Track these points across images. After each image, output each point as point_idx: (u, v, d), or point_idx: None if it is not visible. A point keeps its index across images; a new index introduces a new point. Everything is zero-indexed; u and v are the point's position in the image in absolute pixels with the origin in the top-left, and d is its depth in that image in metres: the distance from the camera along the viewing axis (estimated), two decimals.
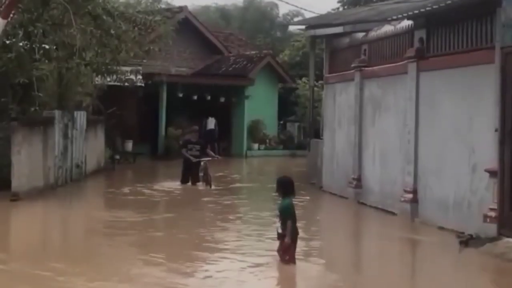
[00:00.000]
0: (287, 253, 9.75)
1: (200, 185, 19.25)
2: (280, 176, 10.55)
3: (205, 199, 17.47)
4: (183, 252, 10.75)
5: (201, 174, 19.31)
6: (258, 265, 9.93)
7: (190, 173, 19.53)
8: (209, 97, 32.99)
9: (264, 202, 17.58)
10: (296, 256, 9.86)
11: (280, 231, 9.79)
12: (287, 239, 9.64)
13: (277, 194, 10.11)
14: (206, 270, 9.74)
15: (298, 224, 9.99)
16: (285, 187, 9.94)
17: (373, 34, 17.26)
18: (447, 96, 13.64)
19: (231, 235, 12.60)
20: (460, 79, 13.22)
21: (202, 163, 19.34)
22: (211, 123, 32.93)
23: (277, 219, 9.94)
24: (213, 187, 19.20)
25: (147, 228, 13.18)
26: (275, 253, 9.94)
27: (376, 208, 16.10)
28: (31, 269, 9.44)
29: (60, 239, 12.73)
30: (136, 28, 21.70)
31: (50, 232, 13.41)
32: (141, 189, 18.74)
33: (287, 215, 9.74)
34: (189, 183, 19.46)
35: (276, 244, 9.98)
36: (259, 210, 15.78)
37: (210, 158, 19.83)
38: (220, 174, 22.63)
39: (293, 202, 9.96)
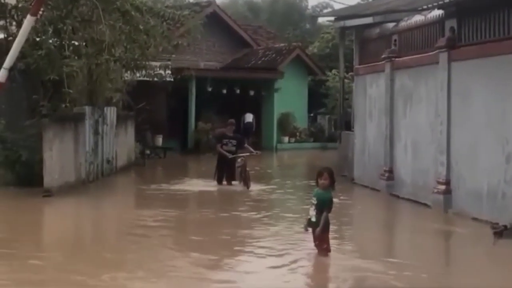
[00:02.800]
0: (324, 242, 9.82)
1: (237, 184, 17.94)
2: (325, 166, 10.42)
3: (242, 197, 16.85)
4: (222, 250, 10.63)
5: (238, 171, 17.86)
6: (296, 260, 9.92)
7: (225, 171, 18.01)
8: (238, 91, 32.91)
9: (304, 199, 16.91)
10: (332, 248, 9.97)
11: (314, 220, 9.76)
12: (318, 229, 9.67)
13: (316, 183, 9.95)
14: (245, 268, 9.70)
15: (332, 219, 10.03)
16: (333, 178, 9.89)
17: (403, 24, 17.11)
18: (479, 86, 13.46)
19: (269, 233, 12.34)
20: (492, 69, 13.02)
21: (239, 159, 17.87)
22: (248, 117, 32.39)
23: (312, 208, 9.84)
24: (251, 188, 17.60)
25: (183, 227, 13.14)
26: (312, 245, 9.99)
27: (408, 200, 15.98)
28: (67, 265, 9.47)
29: (94, 236, 12.74)
30: (164, 23, 21.68)
31: (84, 229, 13.43)
32: (173, 186, 18.51)
33: (326, 206, 9.73)
34: (225, 182, 18.02)
35: (309, 235, 10.01)
36: (298, 205, 15.53)
37: (248, 154, 18.24)
38: (252, 169, 22.08)
39: None
